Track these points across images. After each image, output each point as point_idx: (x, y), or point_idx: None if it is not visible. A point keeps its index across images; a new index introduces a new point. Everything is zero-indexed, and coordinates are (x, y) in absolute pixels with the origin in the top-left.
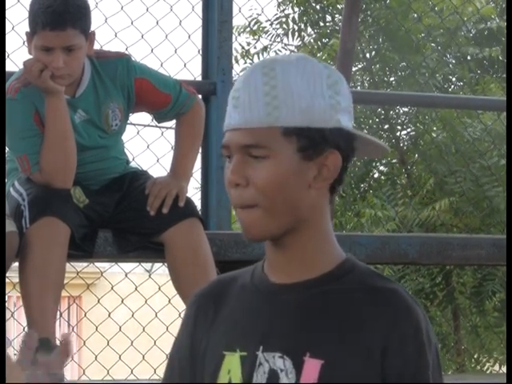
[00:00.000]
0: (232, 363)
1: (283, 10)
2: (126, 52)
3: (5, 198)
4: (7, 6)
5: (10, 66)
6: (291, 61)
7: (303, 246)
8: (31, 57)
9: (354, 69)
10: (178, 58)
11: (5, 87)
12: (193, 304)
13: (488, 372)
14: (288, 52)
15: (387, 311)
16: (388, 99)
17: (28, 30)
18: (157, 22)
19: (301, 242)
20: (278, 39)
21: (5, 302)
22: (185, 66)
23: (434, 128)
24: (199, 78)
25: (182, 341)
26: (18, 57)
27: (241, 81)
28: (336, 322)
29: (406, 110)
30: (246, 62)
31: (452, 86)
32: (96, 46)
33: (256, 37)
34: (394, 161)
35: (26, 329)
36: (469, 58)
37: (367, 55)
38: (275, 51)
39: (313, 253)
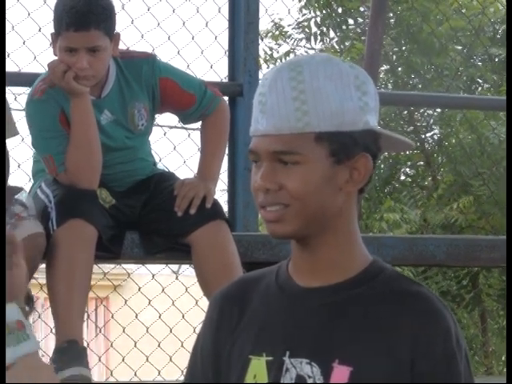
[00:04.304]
0: (258, 368)
1: (305, 14)
2: (151, 52)
3: (5, 197)
4: (34, 7)
5: (37, 68)
6: (317, 63)
7: (330, 247)
8: (56, 58)
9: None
10: (204, 59)
11: (5, 87)
12: (215, 305)
13: None
14: None
15: (416, 315)
16: (413, 100)
17: (53, 31)
18: (183, 24)
19: (328, 244)
20: (301, 43)
21: (5, 301)
22: (211, 67)
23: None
24: (226, 80)
25: (205, 343)
26: (45, 58)
27: (267, 85)
28: (364, 328)
29: (430, 112)
30: (268, 67)
31: (478, 88)
32: (123, 48)
33: (279, 41)
34: (420, 163)
35: (53, 330)
36: (496, 59)
37: (391, 57)
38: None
39: (339, 255)
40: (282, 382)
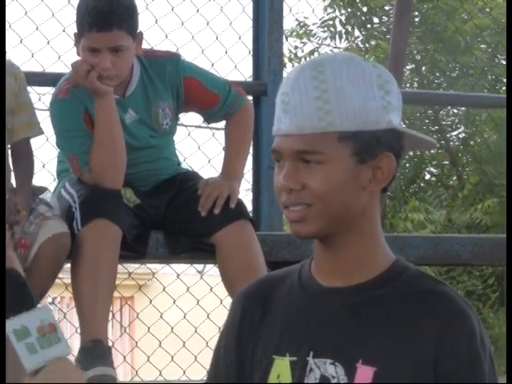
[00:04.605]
0: (282, 368)
1: (330, 13)
2: (175, 51)
3: (5, 197)
4: (58, 7)
5: (61, 68)
6: (340, 62)
7: (353, 247)
8: (79, 58)
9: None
10: (228, 58)
11: (4, 86)
12: (238, 304)
13: None
14: None
15: (439, 315)
16: (438, 100)
17: (76, 31)
18: (207, 23)
19: (351, 244)
20: (326, 42)
21: (5, 301)
22: (235, 66)
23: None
24: (250, 79)
25: (227, 341)
26: (69, 58)
27: (289, 84)
28: (387, 328)
29: (455, 111)
30: (293, 66)
31: (503, 87)
32: (147, 47)
33: (303, 40)
34: (445, 162)
35: (78, 330)
36: None
37: (416, 56)
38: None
39: (362, 254)
40: (305, 382)
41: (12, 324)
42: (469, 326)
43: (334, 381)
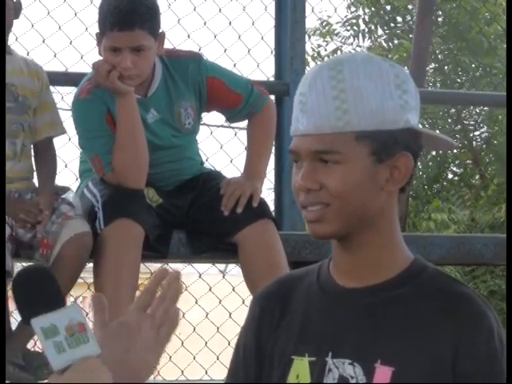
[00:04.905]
0: (301, 368)
1: (353, 12)
2: (198, 51)
3: (4, 197)
4: (81, 7)
5: (83, 68)
6: (357, 62)
7: (371, 247)
8: (100, 58)
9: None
10: (250, 58)
11: (4, 85)
12: (257, 304)
13: None
14: None
15: (458, 315)
16: (461, 99)
17: (98, 31)
18: (230, 23)
19: (369, 244)
20: (349, 41)
21: (5, 301)
22: (258, 66)
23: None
24: (272, 79)
25: (247, 341)
26: (91, 58)
27: (306, 84)
28: (406, 328)
29: (478, 110)
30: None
31: None
32: (169, 47)
33: (326, 39)
34: (468, 161)
35: None
36: None
37: (439, 56)
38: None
39: (381, 254)
40: (324, 382)
41: (40, 321)
42: (488, 325)
43: (353, 381)
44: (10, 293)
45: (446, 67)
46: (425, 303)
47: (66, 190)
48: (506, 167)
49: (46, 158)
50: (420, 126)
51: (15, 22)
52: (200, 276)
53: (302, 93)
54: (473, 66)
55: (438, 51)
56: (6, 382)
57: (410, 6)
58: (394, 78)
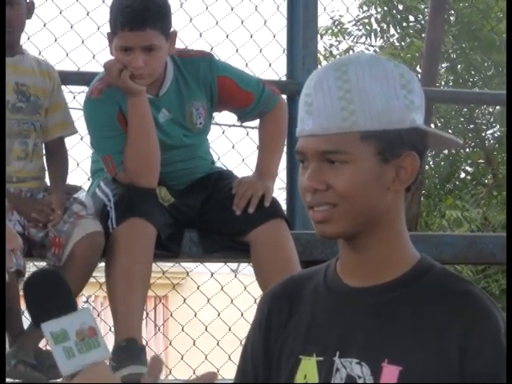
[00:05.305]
0: (308, 368)
1: (365, 11)
2: (209, 51)
3: (5, 197)
4: (93, 6)
5: (95, 67)
6: (363, 62)
7: (378, 247)
8: (112, 58)
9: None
10: (262, 57)
11: (4, 86)
12: (264, 304)
13: None
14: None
15: (465, 314)
16: (473, 98)
17: (109, 30)
18: (242, 22)
19: (376, 243)
20: (361, 40)
21: (5, 300)
22: (270, 66)
23: None
24: (284, 78)
25: (255, 342)
26: (103, 57)
27: (312, 85)
28: (412, 327)
29: (491, 109)
30: None
31: None
32: (181, 46)
33: (339, 38)
34: (480, 161)
35: (112, 328)
36: None
37: (452, 55)
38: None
39: (388, 254)
40: (332, 382)
41: (50, 326)
42: (495, 324)
43: (360, 381)
44: (22, 292)
45: (458, 66)
46: (431, 302)
47: (77, 189)
48: (506, 167)
49: (58, 158)
50: (432, 125)
51: (27, 21)
52: (212, 275)
53: (307, 94)
54: (485, 64)
55: (450, 50)
56: (16, 381)
57: (422, 5)
58: (399, 78)
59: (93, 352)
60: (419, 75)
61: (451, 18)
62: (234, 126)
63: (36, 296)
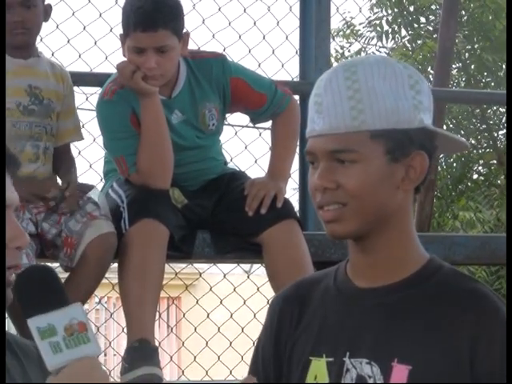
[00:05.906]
0: (318, 369)
1: (376, 13)
2: (222, 52)
3: (5, 197)
4: (105, 7)
5: (108, 68)
6: (372, 63)
7: (387, 246)
8: (124, 59)
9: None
10: (275, 58)
11: (4, 86)
12: (275, 306)
13: None
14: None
15: (474, 313)
16: (486, 98)
17: (122, 32)
18: (254, 23)
19: (385, 243)
20: (373, 42)
21: (5, 301)
22: (282, 66)
23: None
24: (297, 79)
25: (266, 344)
26: (116, 58)
27: (321, 86)
28: (422, 327)
29: (503, 109)
30: None
31: None
32: (193, 47)
33: (350, 40)
34: (493, 162)
35: (125, 329)
36: None
37: (464, 55)
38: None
39: (396, 254)
40: (342, 382)
41: (37, 321)
42: (503, 323)
43: (371, 381)
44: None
45: (470, 67)
46: (440, 302)
47: (90, 187)
48: (506, 167)
49: (66, 160)
50: (444, 126)
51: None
52: (224, 276)
53: (317, 94)
54: (497, 64)
55: (462, 51)
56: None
57: (433, 7)
58: (407, 79)
59: (82, 347)
60: (431, 76)
61: (463, 19)
62: (246, 126)
63: (27, 292)
